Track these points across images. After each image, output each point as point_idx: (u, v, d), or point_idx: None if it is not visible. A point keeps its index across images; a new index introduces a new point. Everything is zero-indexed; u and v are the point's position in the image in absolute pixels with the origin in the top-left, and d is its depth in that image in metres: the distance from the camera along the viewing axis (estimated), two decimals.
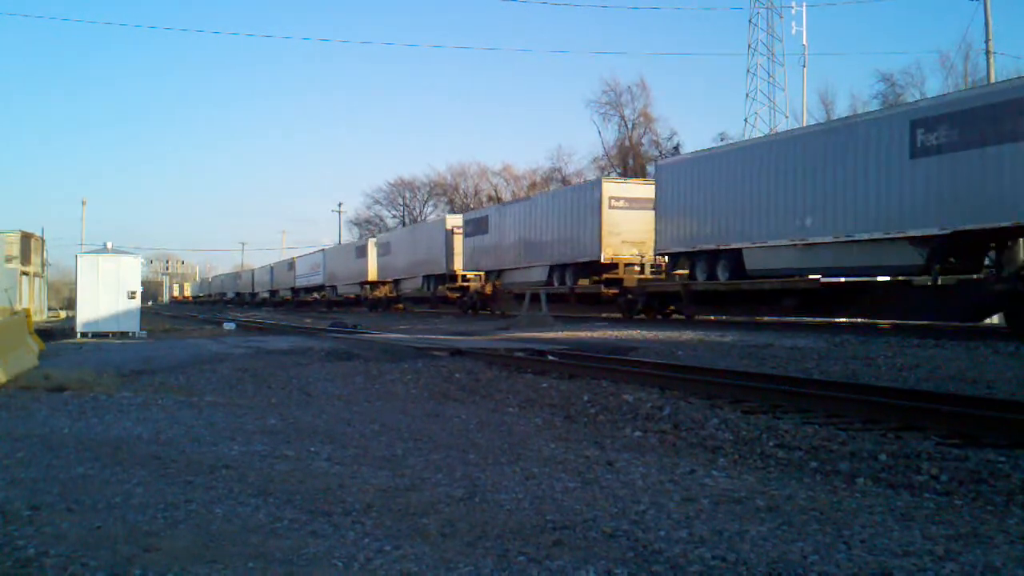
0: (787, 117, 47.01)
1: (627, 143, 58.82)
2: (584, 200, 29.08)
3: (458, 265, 39.41)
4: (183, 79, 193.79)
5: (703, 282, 23.41)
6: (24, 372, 11.98)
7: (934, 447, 5.88)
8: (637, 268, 27.77)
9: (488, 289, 36.30)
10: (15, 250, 39.01)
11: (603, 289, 28.02)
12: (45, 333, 21.39)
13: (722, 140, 48.04)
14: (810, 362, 11.97)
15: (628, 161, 55.47)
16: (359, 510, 4.60)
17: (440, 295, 40.34)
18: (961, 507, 4.67)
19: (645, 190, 27.94)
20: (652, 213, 26.20)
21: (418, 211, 78.62)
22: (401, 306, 48.09)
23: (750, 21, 48.54)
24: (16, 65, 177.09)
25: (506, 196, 64.01)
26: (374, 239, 54.51)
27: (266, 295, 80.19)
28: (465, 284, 38.62)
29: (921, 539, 4.04)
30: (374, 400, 9.54)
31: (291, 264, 71.59)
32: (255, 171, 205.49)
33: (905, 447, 5.87)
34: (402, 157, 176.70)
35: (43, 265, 50.21)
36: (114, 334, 22.51)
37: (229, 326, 29.64)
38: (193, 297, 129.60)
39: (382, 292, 49.82)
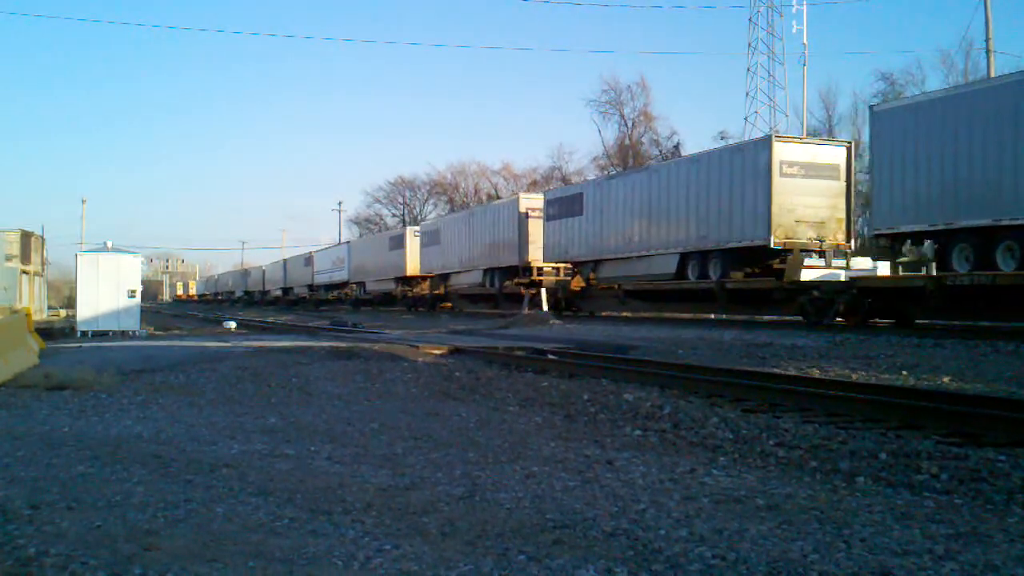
0: (787, 116, 46.95)
1: (627, 142, 58.85)
2: (743, 165, 22.01)
3: (535, 255, 32.61)
4: (183, 78, 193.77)
5: (974, 273, 16.33)
6: (24, 371, 11.98)
7: (934, 446, 5.88)
8: (816, 256, 21.03)
9: (577, 284, 29.87)
10: (15, 249, 39.03)
11: (773, 283, 20.85)
12: (45, 332, 21.38)
13: (722, 139, 48.05)
14: (809, 361, 11.98)
15: (628, 160, 55.42)
16: (359, 509, 4.60)
17: (509, 291, 33.47)
18: (961, 506, 4.67)
19: (829, 153, 21.71)
20: (837, 184, 21.24)
21: (418, 210, 78.66)
22: (449, 304, 41.57)
23: (750, 20, 48.46)
24: (16, 63, 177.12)
25: (506, 195, 63.85)
26: (415, 227, 48.08)
27: (278, 293, 75.10)
28: (540, 278, 31.74)
29: (921, 538, 4.04)
30: (374, 399, 9.54)
31: (308, 259, 64.93)
32: (255, 170, 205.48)
33: (905, 446, 5.87)
34: (402, 156, 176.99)
35: (43, 264, 50.24)
36: (114, 333, 22.52)
37: (229, 325, 29.64)
38: (198, 296, 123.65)
39: (423, 288, 43.61)
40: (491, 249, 35.55)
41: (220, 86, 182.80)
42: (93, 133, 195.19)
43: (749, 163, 21.78)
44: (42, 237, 50.11)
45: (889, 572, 3.55)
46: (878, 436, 6.28)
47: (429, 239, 43.26)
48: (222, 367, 12.46)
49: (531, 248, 32.77)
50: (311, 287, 63.55)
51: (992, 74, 29.22)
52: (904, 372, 10.58)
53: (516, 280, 33.19)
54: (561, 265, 31.23)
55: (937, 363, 11.09)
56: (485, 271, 36.23)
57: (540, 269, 32.01)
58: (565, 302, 30.23)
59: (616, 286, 27.55)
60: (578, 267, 30.26)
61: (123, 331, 22.66)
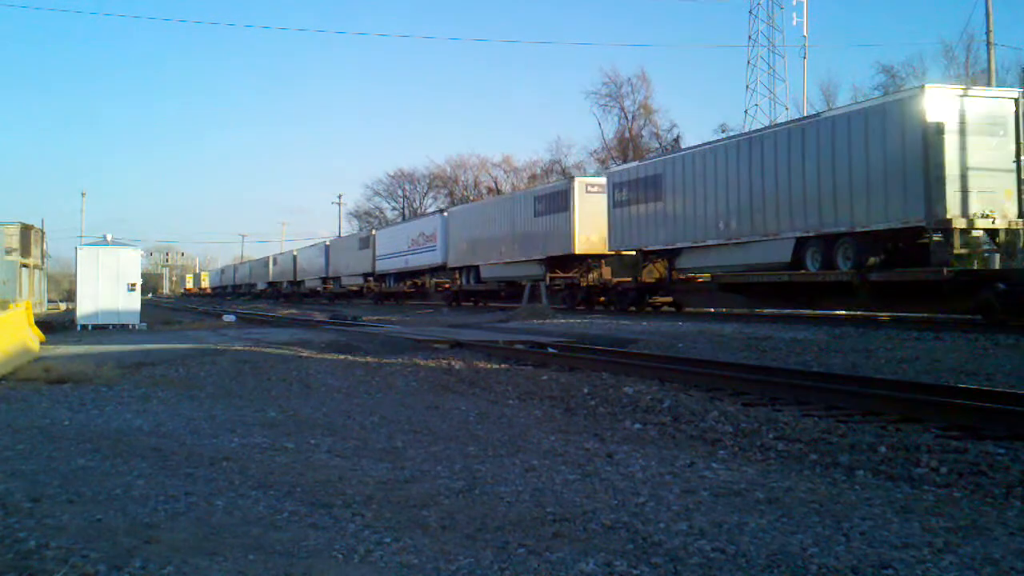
0: (787, 109, 46.79)
1: (627, 135, 58.76)
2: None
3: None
4: (181, 70, 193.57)
5: None
6: (24, 364, 11.99)
7: (934, 439, 5.88)
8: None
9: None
10: (15, 242, 39.02)
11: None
12: (45, 325, 21.39)
13: (723, 132, 47.95)
14: (809, 354, 11.98)
15: (628, 153, 55.36)
16: (359, 502, 4.61)
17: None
18: (960, 499, 4.67)
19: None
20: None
21: (418, 203, 78.56)
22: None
23: (751, 12, 48.31)
24: (16, 56, 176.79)
25: (506, 188, 63.69)
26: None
27: (316, 284, 61.31)
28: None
29: (920, 531, 4.04)
30: (374, 392, 9.55)
31: (366, 239, 51.84)
32: (254, 163, 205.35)
33: (905, 439, 5.87)
34: (402, 149, 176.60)
35: (43, 257, 50.25)
36: (114, 326, 22.52)
37: (229, 318, 29.66)
38: (212, 289, 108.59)
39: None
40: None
41: (219, 78, 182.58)
42: (93, 127, 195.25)
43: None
44: (42, 230, 50.11)
45: (888, 565, 3.56)
46: (878, 430, 6.29)
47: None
48: (222, 360, 12.47)
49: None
50: (372, 276, 50.37)
51: (993, 69, 29.19)
52: (904, 365, 10.58)
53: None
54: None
55: (937, 356, 11.09)
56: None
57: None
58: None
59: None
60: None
61: (123, 325, 22.68)
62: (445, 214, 41.94)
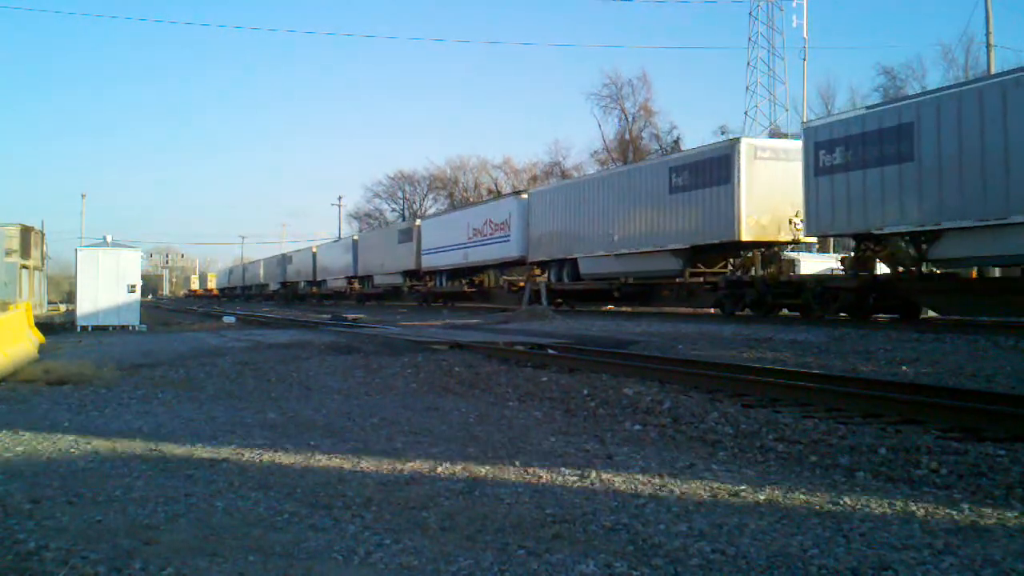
0: (787, 110, 46.76)
1: (627, 136, 58.77)
2: None
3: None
4: (180, 73, 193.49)
5: None
6: (24, 365, 11.99)
7: (933, 441, 5.88)
8: None
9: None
10: (15, 244, 38.97)
11: None
12: (45, 327, 21.39)
13: (723, 133, 47.93)
14: (809, 356, 11.98)
15: (628, 155, 55.39)
16: (359, 504, 4.61)
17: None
18: (960, 501, 4.67)
19: None
20: None
21: (418, 204, 78.57)
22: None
23: (750, 14, 48.30)
24: (16, 59, 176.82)
25: (506, 189, 63.69)
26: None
27: (341, 285, 54.65)
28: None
29: (920, 533, 4.04)
30: (374, 394, 9.55)
31: (407, 232, 43.52)
32: (254, 165, 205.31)
33: (905, 441, 5.87)
34: (401, 150, 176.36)
35: (43, 259, 50.21)
36: (114, 328, 22.53)
37: (229, 320, 29.66)
38: (220, 290, 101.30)
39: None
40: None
41: (219, 82, 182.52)
42: (93, 129, 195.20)
43: None
44: (42, 232, 50.06)
45: (888, 567, 3.55)
46: (878, 431, 6.29)
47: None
48: (222, 362, 12.47)
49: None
50: (413, 273, 42.99)
51: (992, 70, 29.10)
52: (904, 367, 10.58)
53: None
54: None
55: (937, 358, 11.09)
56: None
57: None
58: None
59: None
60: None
61: (123, 326, 22.68)
62: (524, 196, 33.47)
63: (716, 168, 22.18)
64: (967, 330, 14.56)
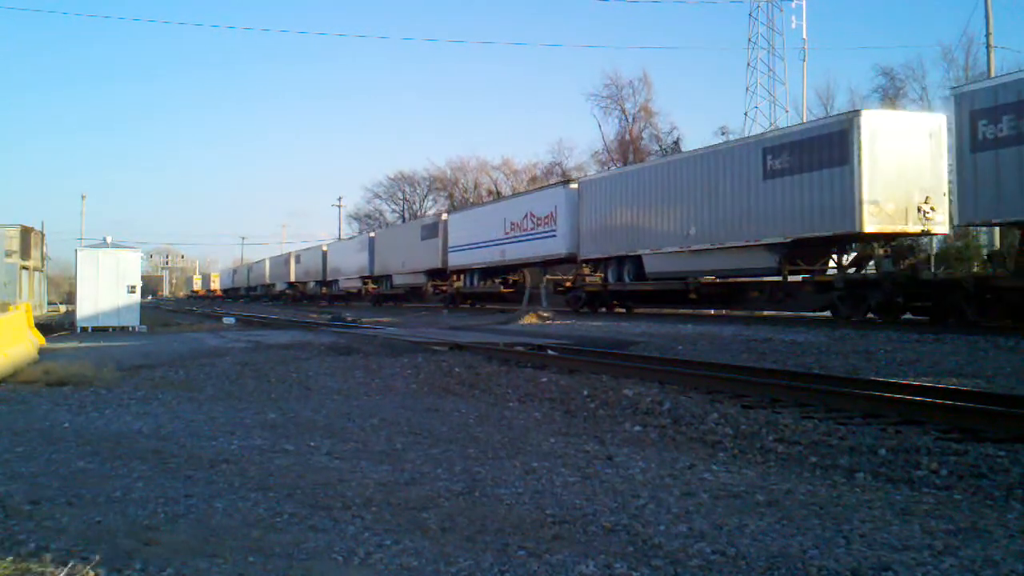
0: (787, 111, 46.69)
1: (627, 137, 58.72)
2: None
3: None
4: (182, 74, 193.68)
5: None
6: (24, 366, 11.98)
7: (933, 442, 5.88)
8: None
9: None
10: (15, 245, 38.98)
11: None
12: (45, 328, 21.39)
13: (723, 134, 47.87)
14: (809, 357, 11.97)
15: (628, 155, 55.36)
16: (359, 504, 4.61)
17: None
18: (960, 501, 4.67)
19: None
20: None
21: (418, 205, 78.53)
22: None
23: (750, 15, 48.15)
24: (16, 60, 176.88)
25: (506, 191, 63.57)
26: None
27: (355, 284, 51.06)
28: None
29: (920, 533, 4.04)
30: (374, 394, 9.55)
31: (432, 228, 39.63)
32: (254, 166, 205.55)
33: (905, 442, 5.87)
34: (401, 151, 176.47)
35: (43, 260, 50.21)
36: (114, 329, 22.52)
37: (229, 321, 29.66)
38: (223, 291, 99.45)
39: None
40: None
41: (219, 83, 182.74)
42: (93, 130, 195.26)
43: None
44: (42, 233, 50.08)
45: (888, 567, 3.55)
46: (878, 432, 6.28)
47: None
48: (222, 363, 12.47)
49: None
50: (439, 272, 38.91)
51: (992, 71, 29.08)
52: (904, 367, 10.58)
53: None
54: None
55: (937, 358, 11.09)
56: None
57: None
58: None
59: None
60: None
61: (123, 327, 22.67)
62: (573, 186, 29.47)
63: (828, 147, 18.65)
64: (967, 330, 14.54)
